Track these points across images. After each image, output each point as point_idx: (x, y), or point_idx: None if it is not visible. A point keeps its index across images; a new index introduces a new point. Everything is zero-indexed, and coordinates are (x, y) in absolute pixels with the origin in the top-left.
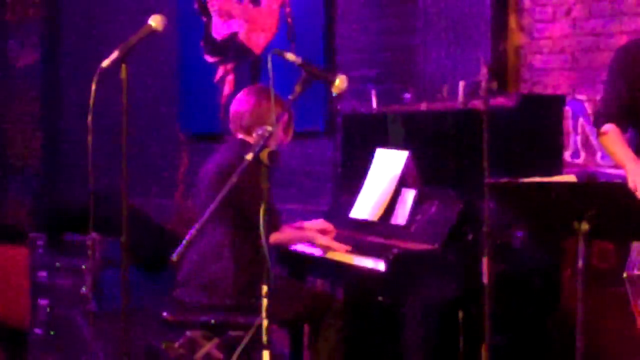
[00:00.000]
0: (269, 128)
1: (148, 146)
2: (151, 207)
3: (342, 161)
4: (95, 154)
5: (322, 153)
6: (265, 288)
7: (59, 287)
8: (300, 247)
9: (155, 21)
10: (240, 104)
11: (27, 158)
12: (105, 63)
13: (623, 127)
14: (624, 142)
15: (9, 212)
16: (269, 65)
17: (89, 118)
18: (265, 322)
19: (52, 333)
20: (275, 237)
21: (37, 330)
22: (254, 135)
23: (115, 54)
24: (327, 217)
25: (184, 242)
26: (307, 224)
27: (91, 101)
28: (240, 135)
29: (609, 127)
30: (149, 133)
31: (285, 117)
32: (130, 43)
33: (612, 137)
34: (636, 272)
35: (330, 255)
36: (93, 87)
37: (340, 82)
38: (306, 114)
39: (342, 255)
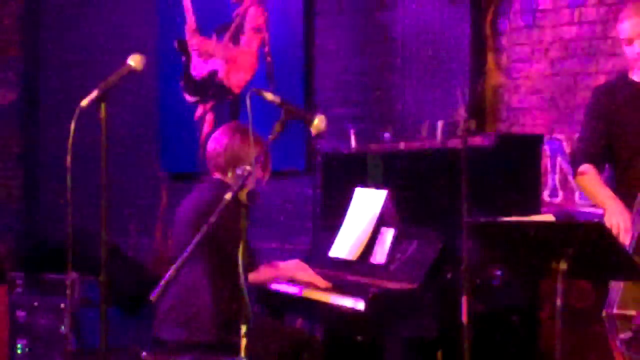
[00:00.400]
0: (248, 167)
1: (128, 185)
2: (130, 246)
3: (322, 200)
4: (75, 193)
5: (301, 192)
6: (244, 328)
7: (38, 327)
8: (279, 286)
9: (134, 60)
10: (217, 143)
11: (7, 197)
12: (84, 102)
13: (600, 167)
14: (602, 182)
15: None
16: (248, 104)
17: (68, 158)
18: None
19: None
20: (253, 277)
21: None
22: (229, 174)
23: (94, 93)
24: (307, 256)
25: (163, 281)
26: (283, 264)
27: (70, 141)
28: (217, 175)
29: (586, 168)
30: (128, 171)
31: (264, 156)
32: (109, 82)
33: (590, 177)
34: (615, 311)
35: (309, 294)
36: (72, 126)
37: (319, 122)
38: (286, 153)
39: (320, 294)
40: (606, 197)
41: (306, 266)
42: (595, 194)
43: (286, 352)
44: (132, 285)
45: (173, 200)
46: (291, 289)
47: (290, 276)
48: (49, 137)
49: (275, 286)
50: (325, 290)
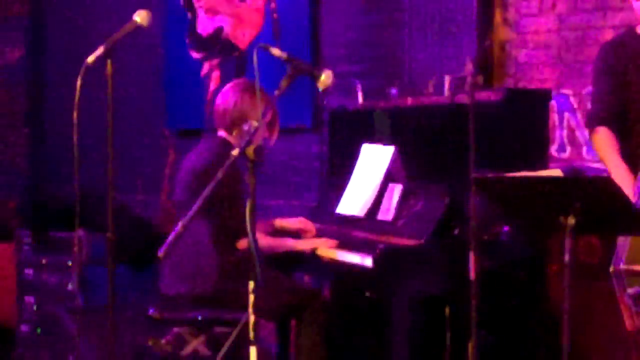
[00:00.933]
0: (255, 123)
1: (134, 142)
2: (137, 203)
3: (329, 157)
4: (81, 151)
5: (308, 149)
6: (252, 284)
7: (46, 284)
8: None
9: (140, 16)
10: (224, 99)
11: (13, 155)
12: (90, 59)
13: (615, 128)
14: (612, 148)
15: None
16: (255, 60)
17: (74, 114)
18: (252, 318)
19: (38, 330)
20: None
21: (24, 328)
22: (235, 132)
23: (100, 50)
24: (314, 213)
25: (170, 238)
26: (287, 221)
27: (76, 97)
28: (222, 132)
29: (599, 131)
30: (135, 129)
31: (270, 114)
32: (115, 38)
33: (601, 142)
34: (622, 266)
35: (317, 251)
36: (78, 83)
37: (325, 77)
38: (293, 109)
39: (328, 251)
40: (615, 166)
41: (311, 224)
42: (605, 162)
43: (292, 307)
44: (139, 242)
45: (179, 157)
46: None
47: (290, 247)
48: (55, 95)
49: None
50: (330, 248)
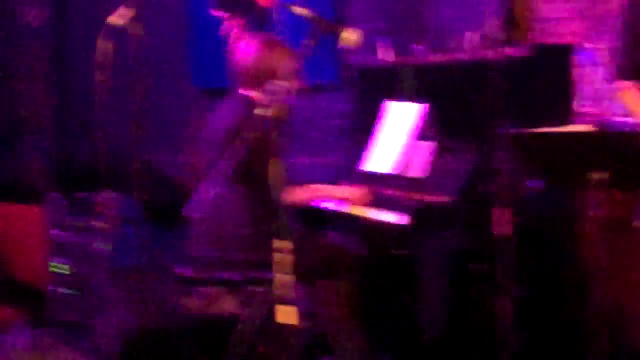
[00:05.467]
0: (281, 82)
1: (158, 102)
2: (163, 162)
3: (355, 114)
4: (108, 111)
5: (334, 106)
6: (281, 243)
7: (76, 245)
8: (319, 203)
9: None
10: (246, 55)
11: (39, 117)
12: (112, 18)
13: None
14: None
15: (22, 171)
16: (274, 17)
17: (97, 74)
18: (288, 278)
19: (70, 291)
20: (291, 198)
21: (55, 289)
22: (258, 89)
23: (122, 10)
24: (341, 171)
25: (196, 198)
26: (340, 189)
27: (98, 57)
28: (243, 90)
29: (626, 85)
30: (159, 89)
31: (295, 69)
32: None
33: (629, 95)
34: None
35: (350, 209)
36: (101, 43)
37: (350, 35)
38: (318, 66)
39: (361, 209)
40: None
41: (367, 191)
42: (635, 114)
43: (324, 267)
44: (166, 202)
45: (204, 116)
46: (332, 205)
47: (326, 195)
48: (81, 55)
49: (315, 202)
50: (366, 205)
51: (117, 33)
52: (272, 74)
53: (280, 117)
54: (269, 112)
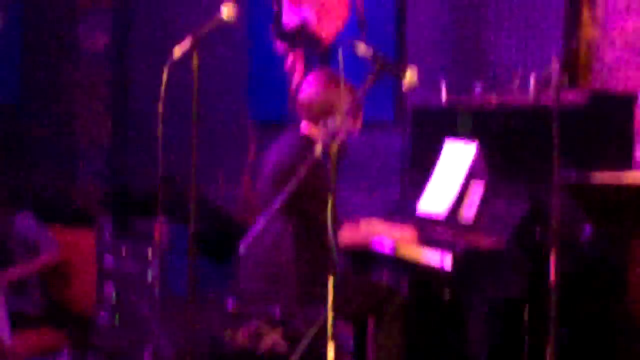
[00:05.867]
0: (339, 119)
1: (217, 134)
2: (218, 195)
3: (411, 153)
4: (164, 142)
5: (390, 143)
6: (331, 279)
7: (125, 272)
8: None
9: (227, 11)
10: (309, 89)
11: (96, 142)
12: (177, 51)
13: None
14: None
15: (77, 196)
16: (340, 58)
17: (160, 106)
18: (330, 314)
19: (117, 318)
20: (346, 238)
21: (103, 315)
22: (319, 124)
23: (186, 43)
24: (394, 209)
25: (251, 233)
26: (393, 229)
27: (162, 89)
28: (304, 124)
29: None
30: (218, 121)
31: (355, 106)
32: (201, 32)
33: None
34: None
35: (400, 252)
36: (164, 75)
37: (411, 76)
38: (375, 103)
39: (409, 249)
40: None
41: (415, 232)
42: None
43: (371, 307)
44: (219, 235)
45: (261, 149)
46: (383, 247)
47: (379, 233)
48: (139, 84)
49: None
50: (416, 246)
51: (178, 63)
52: (332, 108)
53: (338, 155)
54: (327, 149)
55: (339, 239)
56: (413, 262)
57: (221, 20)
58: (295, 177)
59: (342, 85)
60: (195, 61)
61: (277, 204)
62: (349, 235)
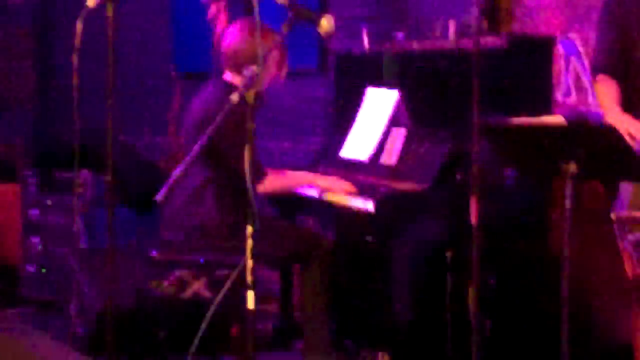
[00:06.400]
0: (256, 68)
1: (141, 84)
2: (145, 146)
3: (334, 100)
4: (89, 92)
5: (313, 92)
6: (249, 229)
7: (51, 225)
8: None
9: None
10: (232, 39)
11: (19, 95)
12: (90, 2)
13: (617, 76)
14: (613, 97)
15: (1, 150)
16: (255, 5)
17: (74, 58)
18: (250, 263)
19: (43, 270)
20: (261, 188)
21: (29, 267)
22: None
23: None
24: (318, 157)
25: (167, 183)
26: (290, 173)
27: (76, 41)
28: (228, 74)
29: (601, 79)
30: (142, 71)
31: (279, 53)
32: None
33: (603, 90)
34: (624, 212)
35: (328, 197)
36: (78, 26)
37: (326, 23)
38: (299, 52)
39: (334, 195)
40: (613, 115)
41: (350, 184)
42: (604, 109)
43: (297, 253)
44: (144, 185)
45: (186, 100)
46: (310, 192)
47: (310, 181)
48: (62, 36)
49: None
50: (345, 192)
51: (102, 13)
52: (256, 59)
53: (254, 104)
54: (245, 98)
55: (266, 186)
56: (338, 207)
57: None
58: (212, 125)
59: (266, 34)
60: (109, 11)
61: (194, 152)
62: (277, 182)
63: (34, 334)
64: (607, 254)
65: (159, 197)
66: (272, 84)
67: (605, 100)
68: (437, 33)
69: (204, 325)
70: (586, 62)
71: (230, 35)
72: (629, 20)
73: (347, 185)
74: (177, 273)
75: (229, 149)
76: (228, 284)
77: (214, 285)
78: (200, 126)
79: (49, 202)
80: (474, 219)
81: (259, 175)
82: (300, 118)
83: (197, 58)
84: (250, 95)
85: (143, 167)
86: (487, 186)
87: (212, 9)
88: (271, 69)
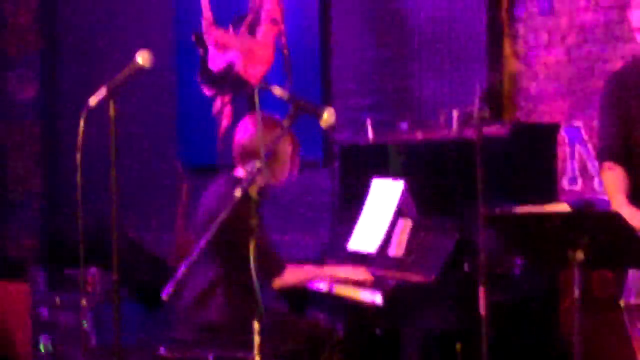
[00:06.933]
0: (258, 164)
1: (148, 180)
2: (151, 241)
3: (340, 192)
4: (98, 188)
5: (319, 183)
6: (256, 325)
7: (60, 323)
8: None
9: (142, 58)
10: (243, 133)
11: (27, 193)
12: (92, 101)
13: (622, 162)
14: (619, 185)
15: (9, 247)
16: (256, 99)
17: (77, 156)
18: (257, 359)
19: None
20: (281, 282)
21: None
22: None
23: (102, 92)
24: (325, 249)
25: (174, 280)
26: (340, 270)
27: (79, 139)
28: (239, 169)
29: (608, 166)
30: (148, 167)
31: (291, 148)
32: (117, 80)
33: (609, 177)
34: (633, 300)
35: (338, 291)
36: (81, 125)
37: (328, 116)
38: (304, 144)
39: (342, 288)
40: (619, 206)
41: (369, 274)
42: (610, 199)
43: (307, 347)
44: (152, 281)
45: (193, 194)
46: (320, 285)
47: (325, 277)
48: (69, 133)
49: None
50: (357, 284)
51: (102, 110)
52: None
53: (258, 199)
54: (248, 193)
55: (285, 280)
56: (347, 300)
57: (137, 66)
58: (216, 221)
59: (260, 127)
60: (112, 110)
61: (199, 248)
62: (296, 276)
63: None
64: (617, 342)
65: (164, 293)
66: (287, 177)
67: (611, 189)
68: (441, 123)
69: None
70: (591, 149)
71: (240, 131)
72: (629, 103)
73: (365, 274)
74: None
75: (238, 245)
76: None
77: None
78: (209, 222)
79: (58, 300)
80: (482, 310)
81: (278, 269)
82: (307, 209)
83: (203, 152)
84: (254, 190)
85: (151, 262)
86: (495, 275)
87: (217, 104)
88: (285, 163)
